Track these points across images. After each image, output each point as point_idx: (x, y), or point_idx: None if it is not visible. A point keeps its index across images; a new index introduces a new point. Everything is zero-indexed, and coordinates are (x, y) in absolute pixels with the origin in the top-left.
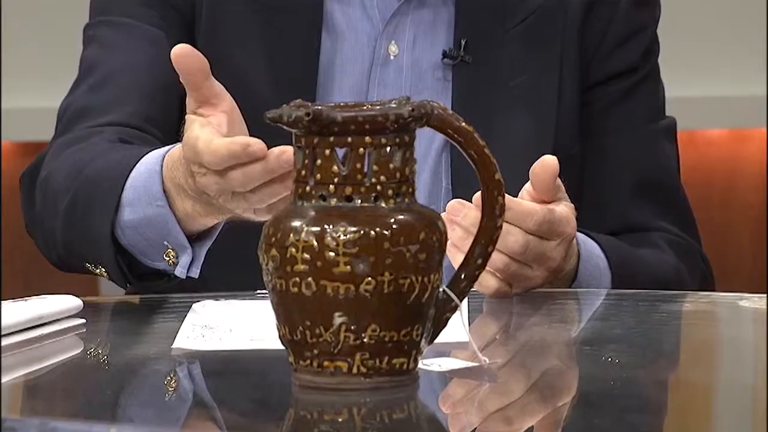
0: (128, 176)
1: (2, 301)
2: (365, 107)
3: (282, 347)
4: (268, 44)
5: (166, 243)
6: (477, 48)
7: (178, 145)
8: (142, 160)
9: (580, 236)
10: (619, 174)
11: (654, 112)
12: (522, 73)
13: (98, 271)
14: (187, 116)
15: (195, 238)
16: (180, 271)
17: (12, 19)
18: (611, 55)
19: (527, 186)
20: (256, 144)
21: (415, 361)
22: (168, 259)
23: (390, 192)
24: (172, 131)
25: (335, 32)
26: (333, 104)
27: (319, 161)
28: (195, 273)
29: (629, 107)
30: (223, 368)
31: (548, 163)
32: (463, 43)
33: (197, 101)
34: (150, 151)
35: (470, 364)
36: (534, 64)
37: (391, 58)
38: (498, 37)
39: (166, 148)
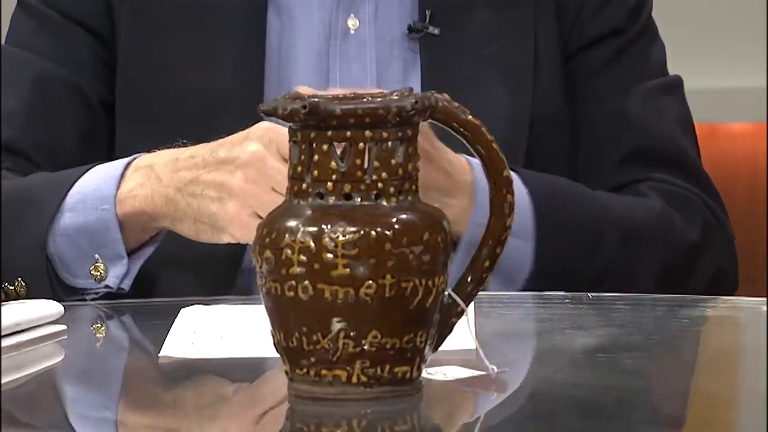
0: (75, 182)
1: None
2: (365, 99)
3: (277, 355)
4: (203, 31)
5: (96, 256)
6: (444, 18)
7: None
8: (95, 167)
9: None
10: (611, 141)
11: (648, 72)
12: (494, 41)
13: (12, 287)
14: None
15: (129, 253)
16: (113, 282)
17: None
18: (594, 17)
19: None
20: None
21: (419, 370)
22: (97, 273)
23: (392, 190)
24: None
25: (283, 10)
26: (331, 96)
27: (316, 157)
28: (126, 285)
29: (618, 71)
30: (214, 378)
31: None
32: (428, 14)
33: None
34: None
35: (477, 372)
36: (506, 31)
37: (351, 32)
38: (465, 5)
39: (133, 156)
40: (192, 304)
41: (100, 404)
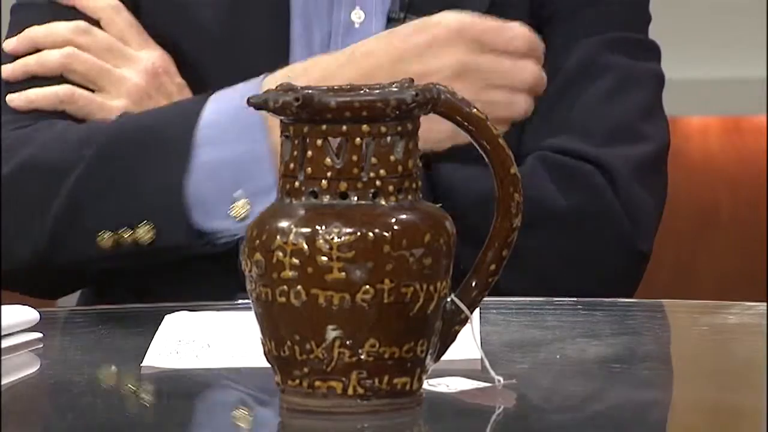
0: (200, 113)
1: None
2: (362, 91)
3: (267, 365)
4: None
5: (240, 191)
6: (424, 5)
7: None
8: (213, 96)
9: None
10: (539, 110)
11: (600, 25)
12: None
13: (130, 233)
14: None
15: None
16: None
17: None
18: None
19: None
20: None
21: (420, 381)
22: (236, 213)
23: (390, 188)
24: None
25: (294, 4)
26: (325, 87)
27: (309, 153)
28: None
29: (570, 29)
30: (201, 389)
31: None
32: (407, 0)
33: None
34: (212, 92)
35: (482, 384)
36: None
37: (356, 26)
38: None
39: (257, 79)
40: (177, 311)
41: (76, 419)
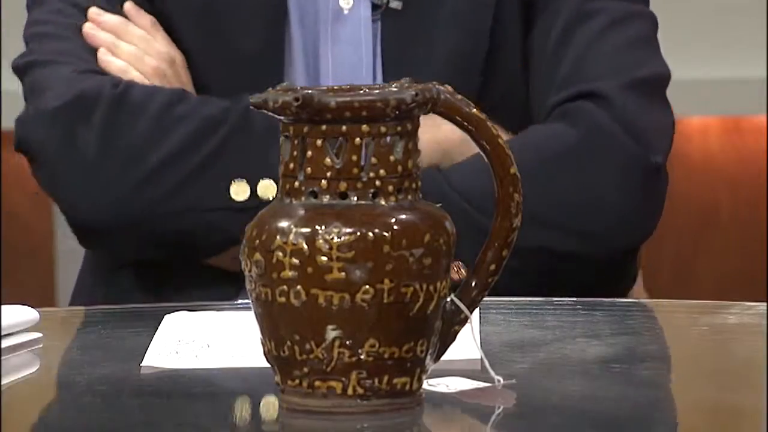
0: None
1: None
2: (362, 91)
3: (267, 365)
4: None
5: None
6: None
7: None
8: None
9: None
10: (533, 82)
11: None
12: (454, 24)
13: (265, 186)
14: None
15: None
16: None
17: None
18: None
19: None
20: None
21: (419, 381)
22: None
23: (390, 188)
24: None
25: None
26: (325, 88)
27: (309, 153)
28: None
29: (560, 4)
30: (200, 389)
31: None
32: None
33: None
34: None
35: (482, 384)
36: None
37: (345, 12)
38: None
39: None
40: (177, 310)
41: (76, 418)
